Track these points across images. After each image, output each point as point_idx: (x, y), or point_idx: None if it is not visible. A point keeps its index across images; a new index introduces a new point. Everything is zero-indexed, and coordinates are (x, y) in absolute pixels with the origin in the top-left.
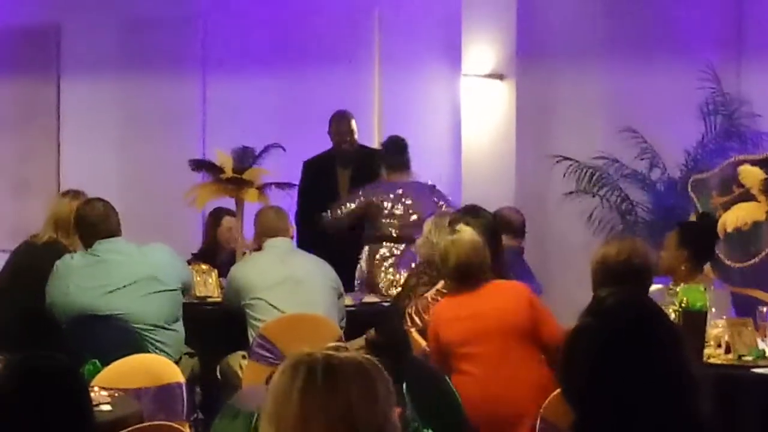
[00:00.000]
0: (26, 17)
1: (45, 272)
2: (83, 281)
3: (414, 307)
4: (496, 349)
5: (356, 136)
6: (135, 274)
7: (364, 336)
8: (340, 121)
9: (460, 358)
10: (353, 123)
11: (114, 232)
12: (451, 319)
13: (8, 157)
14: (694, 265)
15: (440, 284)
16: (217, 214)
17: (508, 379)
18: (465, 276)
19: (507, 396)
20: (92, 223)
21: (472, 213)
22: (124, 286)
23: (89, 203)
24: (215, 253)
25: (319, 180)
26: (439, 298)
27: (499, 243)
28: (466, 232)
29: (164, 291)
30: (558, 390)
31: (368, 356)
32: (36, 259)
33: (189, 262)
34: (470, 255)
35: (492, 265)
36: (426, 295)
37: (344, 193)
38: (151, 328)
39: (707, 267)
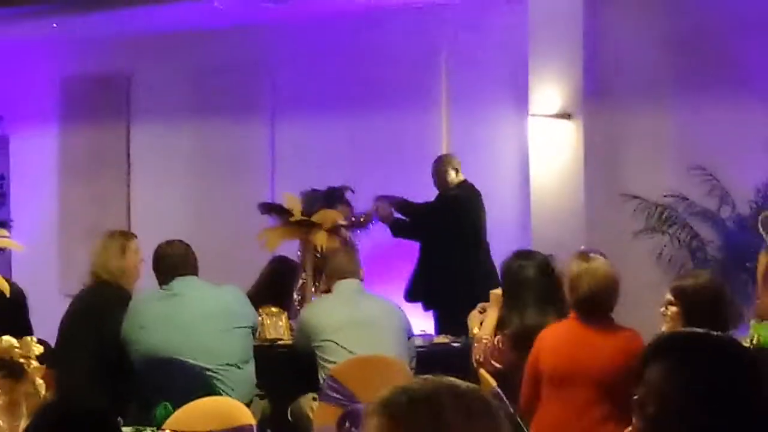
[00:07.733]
0: (97, 66)
1: (107, 314)
2: (157, 318)
3: (477, 354)
4: (583, 399)
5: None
6: (209, 310)
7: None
8: None
9: (548, 391)
10: None
11: (192, 271)
12: (554, 349)
13: (80, 202)
14: None
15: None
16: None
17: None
18: (593, 307)
19: None
20: (173, 262)
21: (523, 255)
22: (198, 322)
23: (170, 244)
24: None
25: None
26: (501, 344)
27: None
28: (601, 261)
29: (237, 328)
30: None
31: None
32: (95, 301)
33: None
34: (601, 285)
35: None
36: (484, 338)
37: None
38: (223, 367)
39: None
